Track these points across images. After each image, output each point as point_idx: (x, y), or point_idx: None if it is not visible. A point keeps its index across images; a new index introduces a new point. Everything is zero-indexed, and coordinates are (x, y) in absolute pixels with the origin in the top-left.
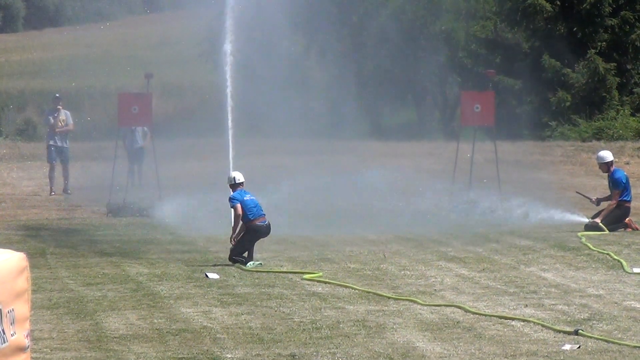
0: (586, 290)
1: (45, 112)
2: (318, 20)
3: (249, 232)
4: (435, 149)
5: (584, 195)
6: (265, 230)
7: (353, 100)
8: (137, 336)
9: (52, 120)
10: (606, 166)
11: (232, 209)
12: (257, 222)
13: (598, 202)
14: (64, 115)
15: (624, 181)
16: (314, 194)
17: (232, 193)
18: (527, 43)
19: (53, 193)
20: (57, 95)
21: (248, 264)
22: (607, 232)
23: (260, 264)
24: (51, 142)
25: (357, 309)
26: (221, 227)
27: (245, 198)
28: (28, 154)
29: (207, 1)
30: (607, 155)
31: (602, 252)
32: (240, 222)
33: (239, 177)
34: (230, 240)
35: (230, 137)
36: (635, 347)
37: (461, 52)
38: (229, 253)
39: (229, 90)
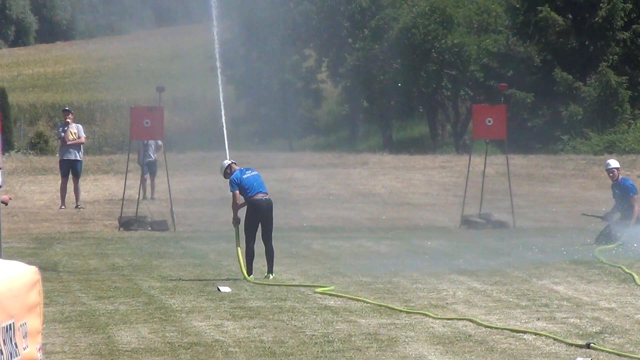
0: (598, 303)
1: (57, 126)
2: (330, 34)
3: (249, 207)
4: (447, 162)
5: (591, 216)
6: (264, 205)
7: (365, 113)
8: (149, 350)
9: (62, 134)
10: (615, 173)
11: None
12: (256, 198)
13: (606, 217)
14: (75, 128)
15: (635, 186)
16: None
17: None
18: (539, 56)
19: (63, 207)
20: (67, 108)
21: (251, 276)
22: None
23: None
24: (64, 157)
25: (369, 323)
26: (233, 240)
27: (244, 176)
28: (40, 167)
29: (218, 14)
30: (612, 162)
31: (614, 266)
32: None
33: (228, 161)
34: (233, 224)
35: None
36: None
37: (473, 65)
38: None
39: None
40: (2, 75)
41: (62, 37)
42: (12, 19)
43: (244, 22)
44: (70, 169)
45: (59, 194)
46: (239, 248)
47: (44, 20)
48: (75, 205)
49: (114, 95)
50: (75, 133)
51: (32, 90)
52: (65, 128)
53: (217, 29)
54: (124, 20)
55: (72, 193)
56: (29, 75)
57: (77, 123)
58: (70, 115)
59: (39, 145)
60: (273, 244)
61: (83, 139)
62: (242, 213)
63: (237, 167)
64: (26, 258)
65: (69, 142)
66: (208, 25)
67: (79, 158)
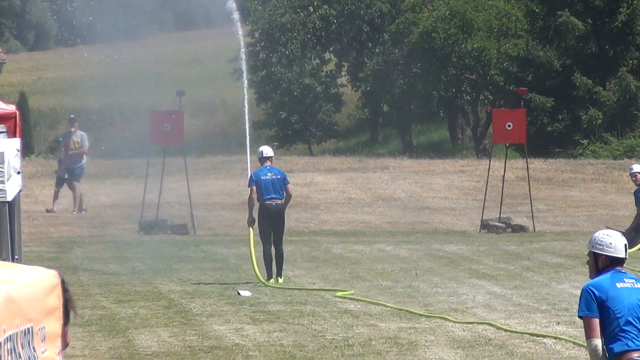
0: None
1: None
2: (350, 38)
3: (260, 210)
4: (467, 167)
5: (614, 230)
6: (272, 210)
7: (385, 117)
8: (169, 353)
9: (66, 142)
10: (638, 177)
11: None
12: (266, 202)
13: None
14: (79, 137)
15: None
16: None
17: (255, 170)
18: (558, 61)
19: (52, 210)
20: (72, 116)
21: (270, 280)
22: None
23: (278, 281)
24: (64, 165)
25: (389, 327)
26: (256, 244)
27: (263, 177)
28: None
29: (240, 18)
30: (636, 166)
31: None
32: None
33: (267, 151)
34: (247, 222)
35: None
36: None
37: (493, 70)
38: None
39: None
40: (22, 79)
41: (81, 40)
42: (32, 23)
43: (263, 26)
44: (68, 175)
45: (69, 199)
46: (252, 253)
47: (63, 24)
48: (80, 209)
49: (134, 99)
50: (77, 142)
51: (52, 94)
52: (68, 138)
53: (241, 33)
54: (144, 24)
55: (76, 199)
56: (49, 80)
57: (82, 131)
58: (75, 124)
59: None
60: (283, 248)
61: (85, 149)
62: (257, 215)
63: (268, 163)
64: (46, 262)
65: (70, 152)
66: (228, 29)
67: (78, 166)
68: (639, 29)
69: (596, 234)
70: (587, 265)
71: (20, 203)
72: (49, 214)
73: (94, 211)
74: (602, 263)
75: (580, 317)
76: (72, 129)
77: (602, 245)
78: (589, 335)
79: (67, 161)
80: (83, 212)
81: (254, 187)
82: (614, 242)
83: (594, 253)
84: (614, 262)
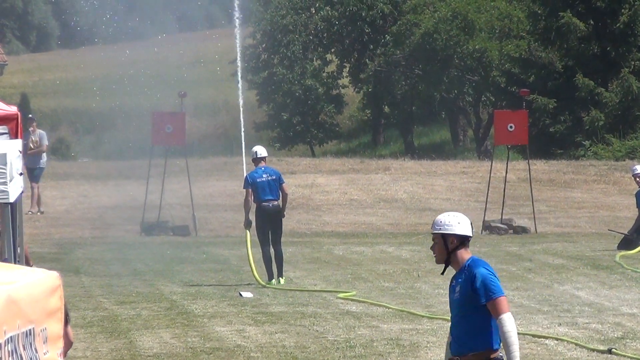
0: (620, 308)
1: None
2: (352, 40)
3: (257, 211)
4: (469, 168)
5: (617, 232)
6: (269, 211)
7: (387, 119)
8: (170, 355)
9: (25, 142)
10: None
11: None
12: (263, 204)
13: (632, 234)
14: (38, 136)
15: None
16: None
17: (250, 171)
18: (560, 62)
19: (40, 212)
20: (30, 116)
21: (272, 281)
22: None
23: (279, 282)
24: (27, 165)
25: (390, 328)
26: (255, 245)
27: (258, 179)
28: (62, 172)
29: (241, 20)
30: (639, 167)
31: (636, 271)
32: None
33: (260, 151)
34: (244, 226)
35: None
36: None
37: (495, 71)
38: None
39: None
40: (24, 81)
41: (84, 42)
42: (34, 24)
43: (265, 27)
44: (28, 175)
45: (80, 199)
46: (250, 255)
47: (65, 26)
48: (38, 209)
49: (135, 101)
50: (36, 142)
51: (54, 95)
52: (27, 138)
53: (239, 35)
54: (145, 25)
55: (33, 198)
56: (51, 81)
57: (41, 130)
58: (34, 123)
59: (60, 151)
60: (283, 249)
61: (44, 147)
62: (253, 217)
63: (262, 164)
64: (48, 263)
65: (29, 151)
66: (230, 31)
67: (39, 166)
68: None
69: (439, 217)
70: (432, 251)
71: (22, 204)
72: (51, 215)
73: (96, 212)
74: (452, 244)
75: (501, 296)
76: (31, 129)
77: (450, 225)
78: (508, 309)
79: (28, 161)
80: (40, 212)
81: (249, 189)
82: (461, 219)
83: (443, 235)
84: (463, 242)
